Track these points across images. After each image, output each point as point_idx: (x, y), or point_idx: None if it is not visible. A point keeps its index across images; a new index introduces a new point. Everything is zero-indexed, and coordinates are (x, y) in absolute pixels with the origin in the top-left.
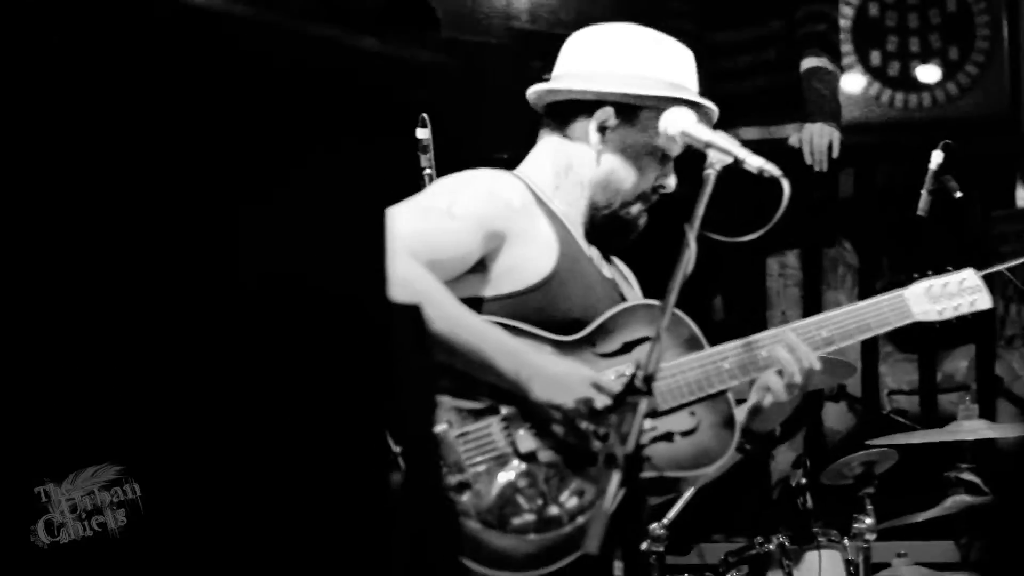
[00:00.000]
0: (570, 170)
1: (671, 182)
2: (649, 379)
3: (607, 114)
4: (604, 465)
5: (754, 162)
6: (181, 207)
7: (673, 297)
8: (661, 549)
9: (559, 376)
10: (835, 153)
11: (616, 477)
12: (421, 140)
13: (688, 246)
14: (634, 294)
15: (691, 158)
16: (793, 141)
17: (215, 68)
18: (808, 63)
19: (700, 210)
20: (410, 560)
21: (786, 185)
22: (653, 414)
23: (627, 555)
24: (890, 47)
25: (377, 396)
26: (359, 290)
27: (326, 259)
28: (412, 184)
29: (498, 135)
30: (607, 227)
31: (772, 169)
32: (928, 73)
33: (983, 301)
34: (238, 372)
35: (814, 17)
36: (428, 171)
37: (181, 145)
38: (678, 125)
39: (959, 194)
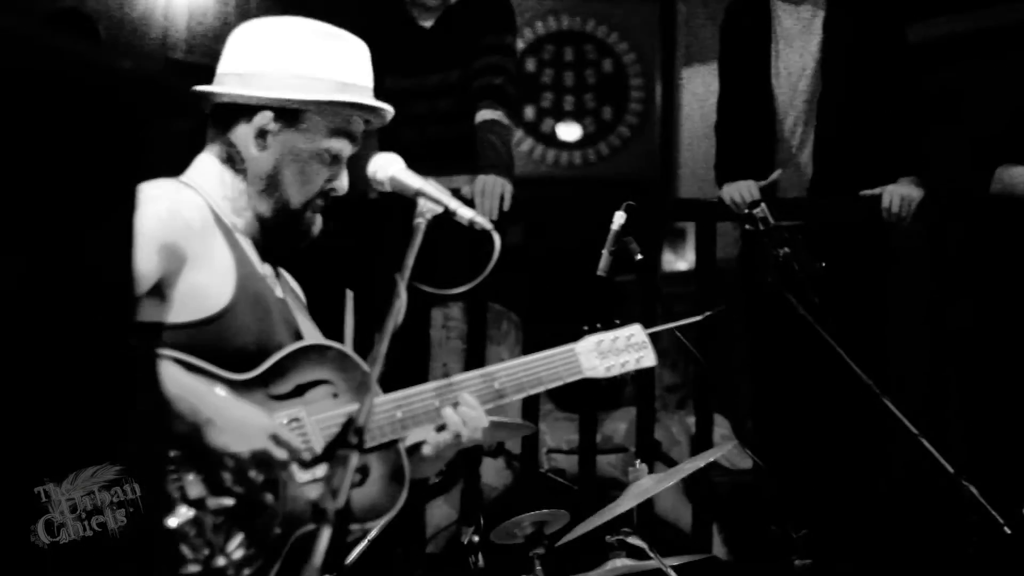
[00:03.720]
0: (236, 179)
1: (343, 183)
2: (360, 432)
3: (266, 119)
4: (313, 520)
5: (465, 214)
6: None
7: (383, 347)
8: None
9: (237, 422)
10: (506, 205)
11: (327, 532)
12: None
13: (399, 296)
14: (304, 316)
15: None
16: (465, 192)
17: None
18: (483, 115)
19: (410, 260)
20: None
21: (497, 238)
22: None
23: None
24: (544, 103)
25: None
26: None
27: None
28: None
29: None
30: (276, 237)
31: (483, 222)
32: (577, 132)
33: (648, 358)
34: None
35: (491, 70)
36: None
37: None
38: (387, 171)
39: (640, 256)
